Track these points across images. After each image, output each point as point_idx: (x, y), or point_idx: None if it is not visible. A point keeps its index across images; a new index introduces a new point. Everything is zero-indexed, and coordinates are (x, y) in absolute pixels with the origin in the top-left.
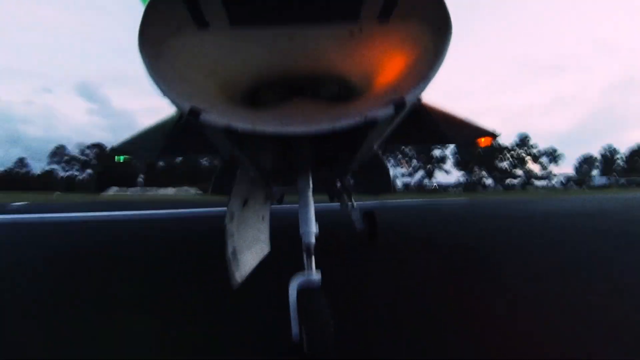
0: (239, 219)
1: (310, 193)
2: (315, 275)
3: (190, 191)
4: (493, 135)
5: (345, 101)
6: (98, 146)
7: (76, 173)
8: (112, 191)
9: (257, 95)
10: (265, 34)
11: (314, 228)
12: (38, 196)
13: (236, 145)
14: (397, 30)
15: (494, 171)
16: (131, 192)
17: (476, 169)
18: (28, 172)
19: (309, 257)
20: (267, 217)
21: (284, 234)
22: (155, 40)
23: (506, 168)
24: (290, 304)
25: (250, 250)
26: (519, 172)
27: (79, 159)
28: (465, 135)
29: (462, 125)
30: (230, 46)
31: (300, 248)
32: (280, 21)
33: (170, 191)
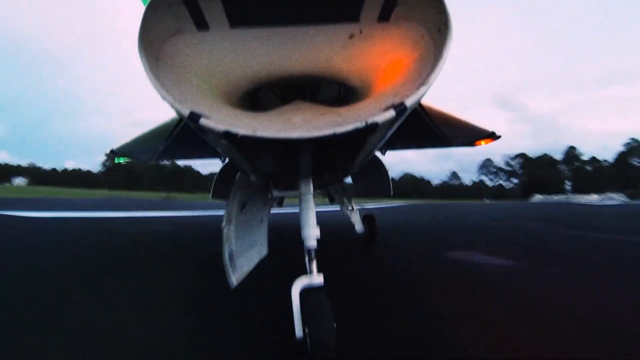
0: (237, 222)
1: (311, 197)
2: (317, 277)
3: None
4: (493, 136)
5: (346, 104)
6: (522, 156)
7: (503, 182)
8: (537, 199)
9: (257, 97)
10: (265, 36)
11: (315, 232)
12: None
13: (236, 149)
14: (397, 31)
15: None
16: (556, 199)
17: None
18: (460, 184)
19: (311, 260)
20: (265, 221)
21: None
22: (155, 42)
23: None
24: (294, 305)
25: (247, 253)
26: None
27: (504, 169)
28: (465, 137)
29: (462, 127)
30: (230, 48)
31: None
32: (281, 23)
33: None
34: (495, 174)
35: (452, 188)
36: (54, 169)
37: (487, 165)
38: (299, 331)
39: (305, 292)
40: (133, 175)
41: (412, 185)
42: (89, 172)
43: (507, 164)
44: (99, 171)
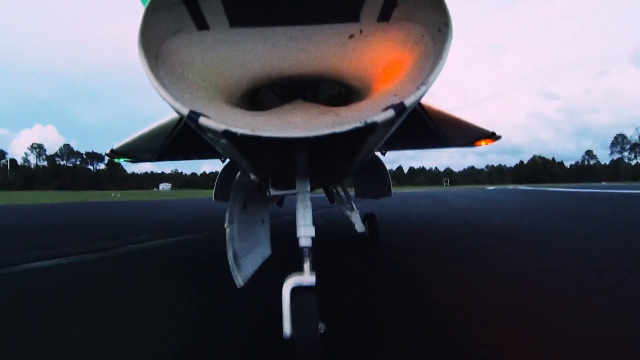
0: (239, 222)
1: (308, 197)
2: (310, 277)
3: None
4: (494, 137)
5: (345, 104)
6: None
7: None
8: None
9: (256, 96)
10: (265, 35)
11: (310, 231)
12: None
13: (235, 148)
14: (397, 31)
15: None
16: None
17: None
18: (597, 163)
19: (306, 260)
20: (267, 220)
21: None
22: (155, 42)
23: None
24: (283, 304)
25: (251, 253)
26: None
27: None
28: (465, 137)
29: (462, 127)
30: (230, 47)
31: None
32: (281, 23)
33: None
34: (633, 149)
35: (586, 169)
36: (193, 174)
37: (619, 142)
38: (286, 330)
39: (295, 291)
40: None
41: (540, 168)
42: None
43: None
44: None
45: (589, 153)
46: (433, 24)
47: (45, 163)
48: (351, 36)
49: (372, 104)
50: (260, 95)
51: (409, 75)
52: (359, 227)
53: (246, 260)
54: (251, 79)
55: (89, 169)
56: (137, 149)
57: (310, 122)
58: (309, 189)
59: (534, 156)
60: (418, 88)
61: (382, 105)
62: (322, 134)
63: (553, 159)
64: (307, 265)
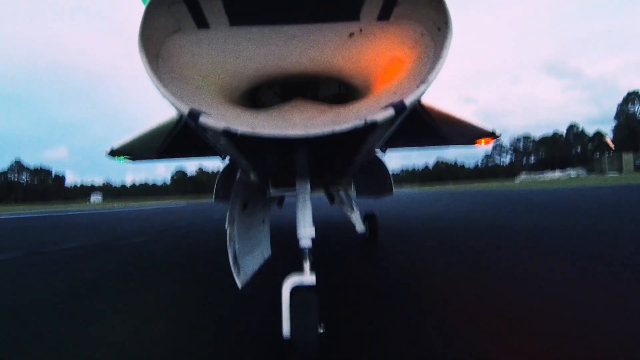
0: (239, 222)
1: (308, 196)
2: (310, 277)
3: None
4: (493, 136)
5: (345, 103)
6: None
7: None
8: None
9: (257, 95)
10: (265, 34)
11: (310, 231)
12: None
13: (235, 147)
14: (397, 30)
15: None
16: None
17: None
18: (494, 164)
19: (305, 260)
20: (267, 220)
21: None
22: (156, 41)
23: None
24: (283, 303)
25: (251, 254)
26: None
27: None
28: (465, 136)
29: (462, 126)
30: (230, 46)
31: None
32: (280, 21)
33: None
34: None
35: (485, 171)
36: (123, 185)
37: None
38: (286, 329)
39: (295, 291)
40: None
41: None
42: (154, 184)
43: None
44: (164, 183)
45: (487, 157)
46: (433, 23)
47: None
48: (351, 35)
49: (372, 102)
50: (260, 94)
51: (408, 74)
52: (359, 227)
53: (246, 261)
54: (251, 78)
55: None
56: (137, 148)
57: (310, 121)
58: (309, 189)
59: (437, 161)
60: (418, 87)
61: (382, 103)
62: (322, 133)
63: (455, 162)
64: (307, 266)
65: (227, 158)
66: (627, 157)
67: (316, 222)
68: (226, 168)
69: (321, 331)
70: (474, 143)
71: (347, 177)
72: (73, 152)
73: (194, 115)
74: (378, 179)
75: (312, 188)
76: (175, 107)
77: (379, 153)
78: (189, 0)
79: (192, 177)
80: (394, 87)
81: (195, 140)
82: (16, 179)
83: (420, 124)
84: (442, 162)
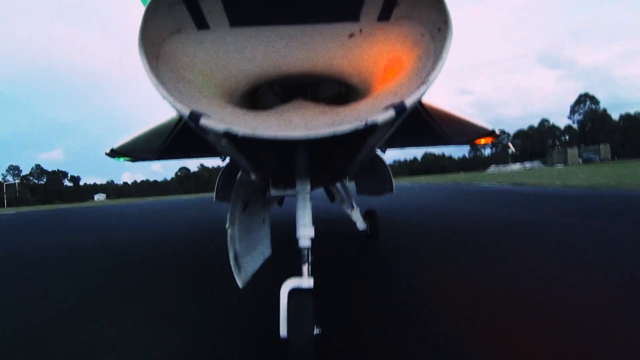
0: (240, 223)
1: (308, 196)
2: (308, 280)
3: None
4: (493, 135)
5: (345, 104)
6: None
7: None
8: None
9: (257, 96)
10: (265, 35)
11: (310, 231)
12: None
13: (236, 149)
14: (397, 31)
15: None
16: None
17: None
18: (480, 155)
19: (304, 261)
20: (267, 220)
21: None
22: (156, 42)
23: None
24: (281, 305)
25: (251, 254)
26: None
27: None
28: (465, 135)
29: (462, 125)
30: (230, 47)
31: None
32: (281, 22)
33: None
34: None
35: (470, 161)
36: (125, 183)
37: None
38: (283, 331)
39: (293, 293)
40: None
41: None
42: (155, 181)
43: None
44: (171, 178)
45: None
46: (433, 24)
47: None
48: (351, 35)
49: (372, 103)
50: (260, 94)
51: (409, 75)
52: (360, 225)
53: (246, 261)
54: (251, 78)
55: None
56: (137, 149)
57: (310, 122)
58: (309, 189)
59: (425, 153)
60: (418, 87)
61: (382, 104)
62: (322, 134)
63: (443, 154)
64: (305, 268)
65: (227, 158)
66: (572, 151)
67: (316, 222)
68: (226, 168)
69: (317, 332)
70: (474, 142)
71: (348, 176)
72: (73, 151)
73: (194, 117)
74: (378, 178)
75: (312, 187)
76: (176, 109)
77: (378, 152)
78: (189, 1)
79: (195, 174)
80: (394, 87)
81: (196, 141)
82: (36, 182)
83: (421, 123)
84: (430, 154)
